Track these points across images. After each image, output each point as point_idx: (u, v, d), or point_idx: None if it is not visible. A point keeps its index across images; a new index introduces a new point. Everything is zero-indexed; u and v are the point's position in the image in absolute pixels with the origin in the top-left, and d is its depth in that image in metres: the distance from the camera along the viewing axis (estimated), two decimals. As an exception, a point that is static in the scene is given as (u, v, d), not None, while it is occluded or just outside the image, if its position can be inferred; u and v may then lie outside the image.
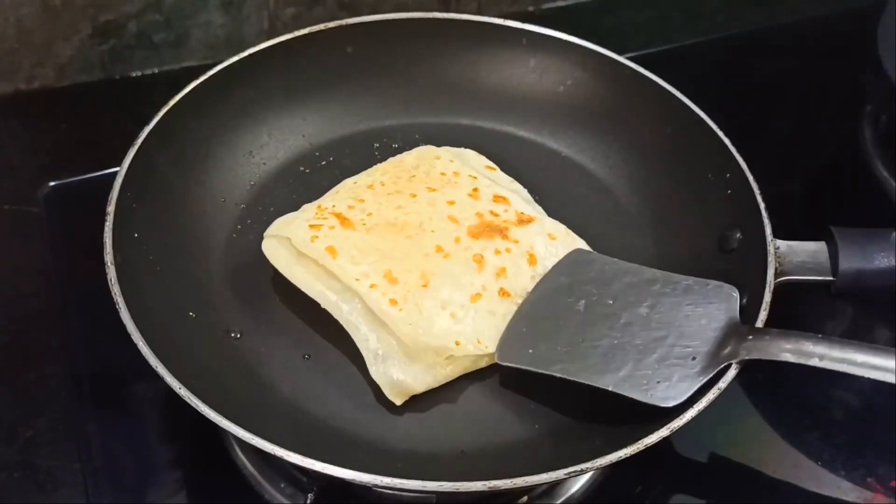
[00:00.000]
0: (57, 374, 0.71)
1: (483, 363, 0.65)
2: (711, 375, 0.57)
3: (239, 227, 0.73)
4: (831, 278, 0.66)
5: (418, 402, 0.64)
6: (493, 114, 0.82)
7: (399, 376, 0.63)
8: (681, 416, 0.57)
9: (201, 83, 0.74)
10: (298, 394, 0.64)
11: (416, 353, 0.63)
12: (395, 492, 0.60)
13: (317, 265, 0.66)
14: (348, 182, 0.73)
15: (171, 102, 0.72)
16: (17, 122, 0.90)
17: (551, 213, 0.74)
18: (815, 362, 0.54)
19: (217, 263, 0.71)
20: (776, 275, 0.64)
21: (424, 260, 0.66)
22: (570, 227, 0.72)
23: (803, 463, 0.70)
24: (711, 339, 0.59)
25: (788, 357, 0.55)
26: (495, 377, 0.66)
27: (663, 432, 0.56)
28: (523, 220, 0.70)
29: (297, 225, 0.67)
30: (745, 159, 0.72)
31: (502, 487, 0.53)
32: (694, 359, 0.58)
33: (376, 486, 0.54)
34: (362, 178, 0.73)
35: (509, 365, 0.63)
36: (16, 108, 0.91)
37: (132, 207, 0.67)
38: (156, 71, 0.95)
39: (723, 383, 0.58)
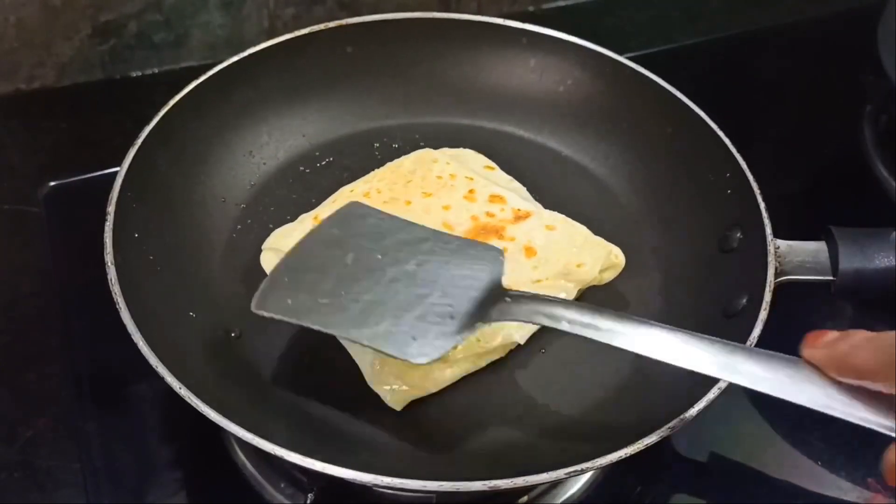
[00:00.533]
0: (57, 374, 0.71)
1: (484, 362, 0.65)
2: (466, 335, 0.57)
3: (239, 227, 0.73)
4: (831, 278, 0.66)
5: (418, 402, 0.64)
6: (493, 114, 0.82)
7: (397, 385, 0.63)
8: (681, 416, 0.57)
9: (201, 83, 0.74)
10: (298, 394, 0.64)
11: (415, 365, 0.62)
12: (395, 492, 0.60)
13: None
14: (345, 190, 0.73)
15: (171, 102, 0.72)
16: (17, 122, 0.90)
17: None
18: (564, 326, 0.55)
19: (217, 263, 0.71)
20: (776, 274, 0.65)
21: None
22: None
23: (803, 463, 0.70)
24: (472, 299, 0.59)
25: (541, 320, 0.56)
26: (495, 377, 0.66)
27: (663, 432, 0.56)
28: (520, 217, 0.70)
29: (295, 238, 0.65)
30: (745, 159, 0.72)
31: (502, 487, 0.53)
32: (452, 318, 0.58)
33: (376, 486, 0.54)
34: (359, 186, 0.73)
35: (263, 314, 0.59)
36: (16, 108, 0.91)
37: (132, 207, 0.67)
38: (156, 71, 0.95)
39: (723, 383, 0.58)
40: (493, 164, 0.77)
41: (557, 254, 0.69)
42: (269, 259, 0.69)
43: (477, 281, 0.60)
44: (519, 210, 0.71)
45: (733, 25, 1.08)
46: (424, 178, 0.73)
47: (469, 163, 0.76)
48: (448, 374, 0.64)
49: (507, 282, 0.61)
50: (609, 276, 0.70)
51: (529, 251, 0.69)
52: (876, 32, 0.84)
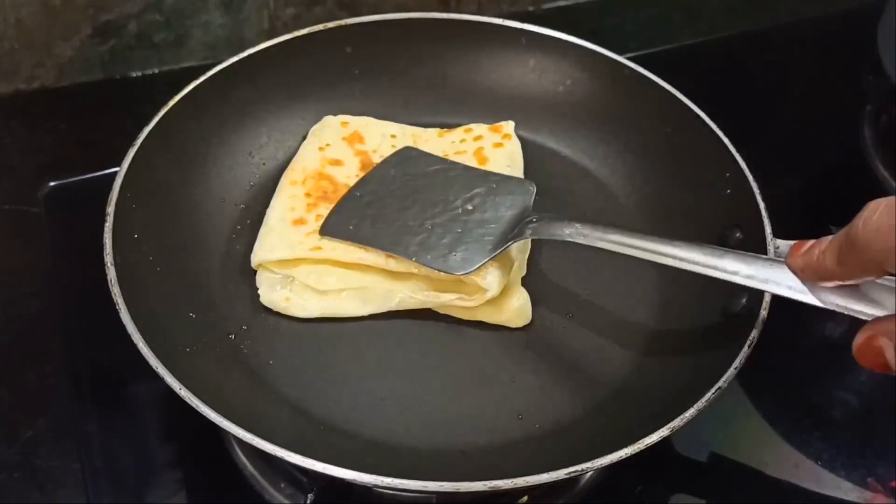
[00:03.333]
0: (57, 374, 0.71)
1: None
2: (501, 250, 0.66)
3: (239, 227, 0.73)
4: (831, 278, 0.66)
5: (418, 402, 0.64)
6: (493, 114, 0.82)
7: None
8: (681, 416, 0.57)
9: (201, 83, 0.74)
10: (298, 394, 0.64)
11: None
12: (396, 492, 0.60)
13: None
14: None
15: (171, 102, 0.72)
16: (17, 122, 0.90)
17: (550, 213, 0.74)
18: (581, 240, 0.63)
19: (217, 263, 0.71)
20: (776, 275, 0.64)
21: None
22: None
23: (803, 463, 0.70)
24: (505, 222, 0.68)
25: (568, 238, 0.64)
26: (495, 377, 0.66)
27: (663, 432, 0.56)
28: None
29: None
30: (745, 159, 0.72)
31: (502, 487, 0.54)
32: (489, 237, 0.67)
33: (376, 486, 0.54)
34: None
35: (329, 239, 0.69)
36: (16, 108, 0.91)
37: (132, 208, 0.66)
38: (156, 71, 0.95)
39: (723, 383, 0.58)
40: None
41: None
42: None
43: (512, 209, 0.69)
44: None
45: (733, 25, 1.08)
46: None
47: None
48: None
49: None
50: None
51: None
52: (876, 32, 0.84)
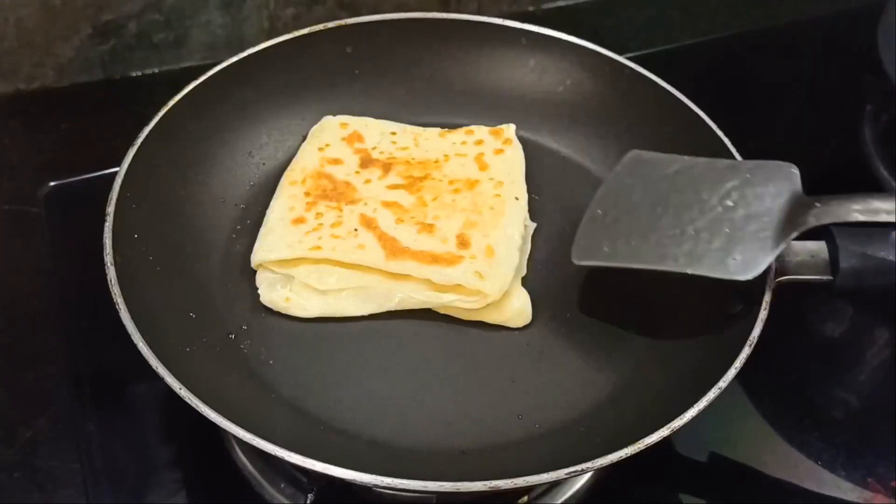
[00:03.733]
0: (57, 374, 0.71)
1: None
2: (784, 245, 0.60)
3: (239, 227, 0.73)
4: (831, 278, 0.66)
5: (418, 402, 0.64)
6: (493, 114, 0.82)
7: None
8: (681, 416, 0.57)
9: (201, 83, 0.74)
10: (298, 394, 0.64)
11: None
12: (396, 492, 0.60)
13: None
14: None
15: (171, 102, 0.72)
16: (17, 122, 0.90)
17: (550, 213, 0.74)
18: (882, 217, 0.56)
19: (217, 263, 0.71)
20: (776, 274, 0.64)
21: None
22: (569, 226, 0.71)
23: (803, 463, 0.70)
24: (778, 212, 0.61)
25: (858, 216, 0.57)
26: (495, 377, 0.66)
27: (663, 432, 0.56)
28: None
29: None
30: (745, 159, 0.72)
31: (503, 487, 0.54)
32: (765, 232, 0.60)
33: (376, 486, 0.54)
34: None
35: (587, 263, 0.65)
36: (16, 108, 0.91)
37: (132, 208, 0.67)
38: (156, 71, 0.95)
39: (723, 383, 0.58)
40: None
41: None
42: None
43: (779, 197, 0.62)
44: None
45: (733, 25, 1.08)
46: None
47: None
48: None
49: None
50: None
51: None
52: (876, 32, 0.84)
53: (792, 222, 0.60)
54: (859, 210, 0.57)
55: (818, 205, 0.60)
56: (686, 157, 0.69)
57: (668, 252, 0.62)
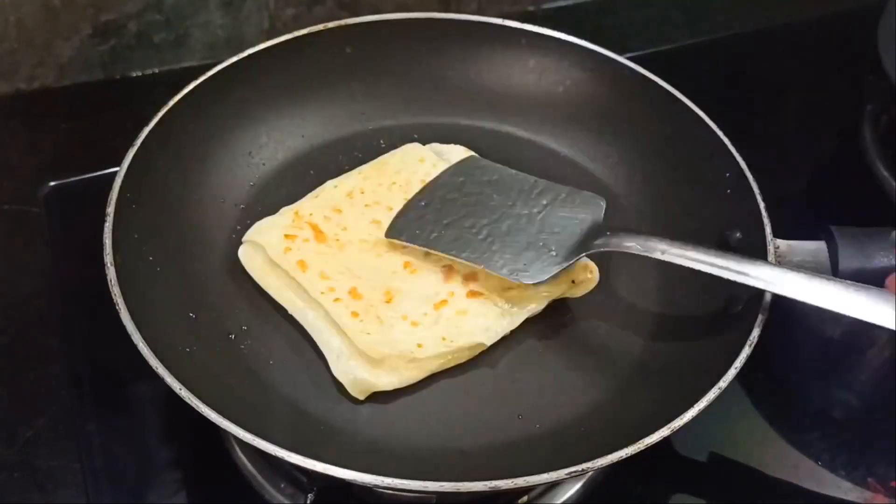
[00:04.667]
0: (57, 374, 0.71)
1: (455, 361, 0.66)
2: (569, 263, 0.66)
3: (238, 227, 0.73)
4: (831, 278, 0.66)
5: (418, 402, 0.64)
6: (493, 114, 0.82)
7: (362, 375, 0.63)
8: (681, 416, 0.57)
9: (201, 83, 0.74)
10: (298, 394, 0.64)
11: (379, 361, 0.63)
12: (396, 492, 0.60)
13: (289, 278, 0.67)
14: (329, 185, 0.74)
15: (171, 102, 0.72)
16: (17, 122, 0.90)
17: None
18: (657, 255, 0.63)
19: (217, 263, 0.71)
20: (776, 275, 0.64)
21: (391, 277, 0.68)
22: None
23: (803, 463, 0.70)
24: (575, 234, 0.68)
25: (635, 250, 0.64)
26: (495, 377, 0.66)
27: (663, 432, 0.56)
28: None
29: (273, 234, 0.69)
30: (744, 159, 0.72)
31: (503, 487, 0.53)
32: (557, 248, 0.67)
33: (377, 486, 0.54)
34: (343, 183, 0.74)
35: (396, 241, 0.69)
36: (16, 108, 0.91)
37: (132, 208, 0.66)
38: (156, 71, 0.95)
39: (723, 383, 0.58)
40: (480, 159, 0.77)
41: None
42: (247, 252, 0.70)
43: (580, 221, 0.69)
44: None
45: (733, 25, 1.08)
46: (409, 182, 0.74)
47: (455, 160, 0.76)
48: (416, 372, 0.64)
49: (479, 287, 0.68)
50: (581, 290, 0.70)
51: None
52: (876, 32, 0.84)
53: (583, 245, 0.67)
54: (637, 244, 0.64)
55: (608, 233, 0.67)
56: (514, 171, 0.74)
57: (465, 245, 0.68)
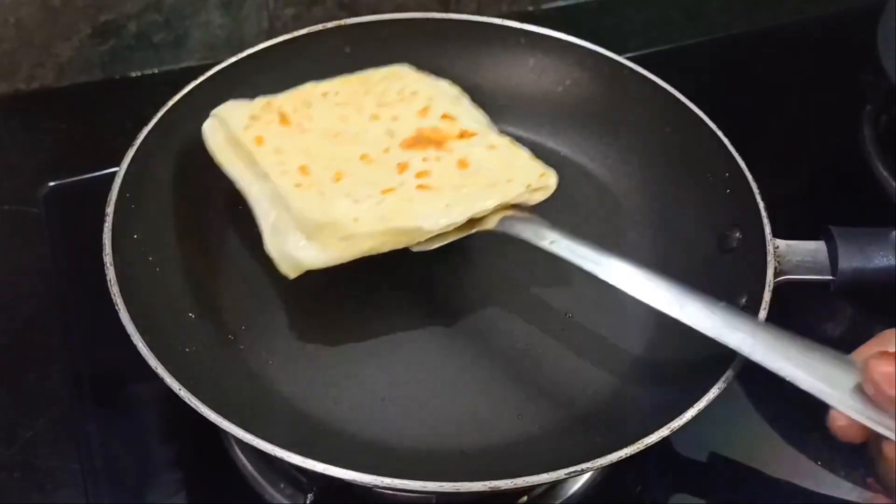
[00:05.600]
0: (57, 375, 0.71)
1: (391, 245, 0.64)
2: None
3: (238, 227, 0.73)
4: (830, 278, 0.66)
5: (418, 402, 0.64)
6: (493, 114, 0.81)
7: (291, 248, 0.63)
8: (681, 416, 0.57)
9: (201, 83, 0.74)
10: (298, 394, 0.64)
11: (313, 232, 0.63)
12: (396, 492, 0.60)
13: (244, 152, 0.67)
14: (309, 84, 0.74)
15: (171, 102, 0.72)
16: (17, 122, 0.90)
17: (549, 214, 0.73)
18: (545, 245, 0.63)
19: (217, 263, 0.71)
20: (776, 274, 0.65)
21: (345, 163, 0.67)
22: (569, 226, 0.71)
23: (803, 463, 0.70)
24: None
25: (530, 237, 0.64)
26: (494, 377, 0.66)
27: (663, 432, 0.56)
28: (465, 135, 0.70)
29: (239, 113, 0.70)
30: (744, 159, 0.72)
31: (503, 487, 0.53)
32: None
33: (376, 486, 0.54)
34: (322, 85, 0.74)
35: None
36: (16, 108, 0.91)
37: (131, 208, 0.66)
38: (156, 71, 0.95)
39: (723, 383, 0.58)
40: (463, 94, 0.76)
41: (489, 169, 0.68)
42: (212, 125, 0.70)
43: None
44: (466, 129, 0.71)
45: (733, 25, 1.08)
46: (386, 91, 0.74)
47: (439, 87, 0.75)
48: (345, 252, 0.63)
49: (430, 182, 0.66)
50: (539, 196, 0.68)
51: (463, 163, 0.68)
52: (876, 32, 0.84)
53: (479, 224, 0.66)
54: (534, 232, 0.65)
55: (507, 216, 0.66)
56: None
57: None
